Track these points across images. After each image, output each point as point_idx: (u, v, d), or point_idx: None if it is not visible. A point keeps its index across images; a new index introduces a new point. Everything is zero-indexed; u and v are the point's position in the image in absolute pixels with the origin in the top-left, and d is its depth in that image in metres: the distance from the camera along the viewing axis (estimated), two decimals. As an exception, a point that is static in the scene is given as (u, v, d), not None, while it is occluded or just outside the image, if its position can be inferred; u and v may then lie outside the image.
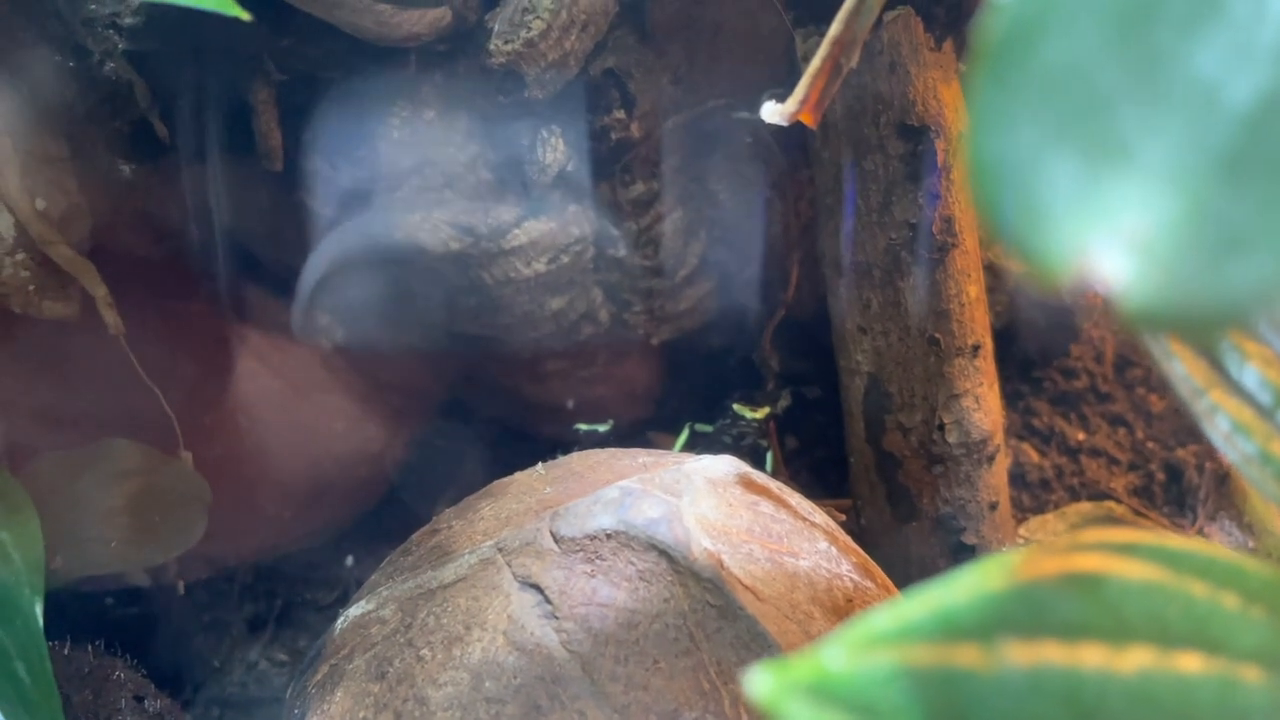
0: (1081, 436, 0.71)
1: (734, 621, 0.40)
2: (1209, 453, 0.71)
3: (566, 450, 0.67)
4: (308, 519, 0.66)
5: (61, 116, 0.52)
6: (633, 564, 0.41)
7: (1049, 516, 0.69)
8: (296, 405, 0.65)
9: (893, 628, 0.21)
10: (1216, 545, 0.25)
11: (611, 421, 0.69)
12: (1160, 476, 0.70)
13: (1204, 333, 0.17)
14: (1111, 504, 0.69)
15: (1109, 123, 0.17)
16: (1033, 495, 0.70)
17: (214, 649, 0.63)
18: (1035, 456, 0.71)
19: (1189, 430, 0.72)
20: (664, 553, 0.41)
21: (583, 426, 0.69)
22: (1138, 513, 0.68)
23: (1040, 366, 0.72)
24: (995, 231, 0.17)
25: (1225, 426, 0.27)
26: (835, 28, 0.36)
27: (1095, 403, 0.72)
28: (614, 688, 0.39)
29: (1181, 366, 0.28)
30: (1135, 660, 0.23)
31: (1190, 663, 0.23)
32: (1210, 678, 0.23)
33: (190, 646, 0.63)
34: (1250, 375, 0.28)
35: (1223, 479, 0.70)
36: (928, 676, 0.20)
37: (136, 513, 0.55)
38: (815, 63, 0.37)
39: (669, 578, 0.41)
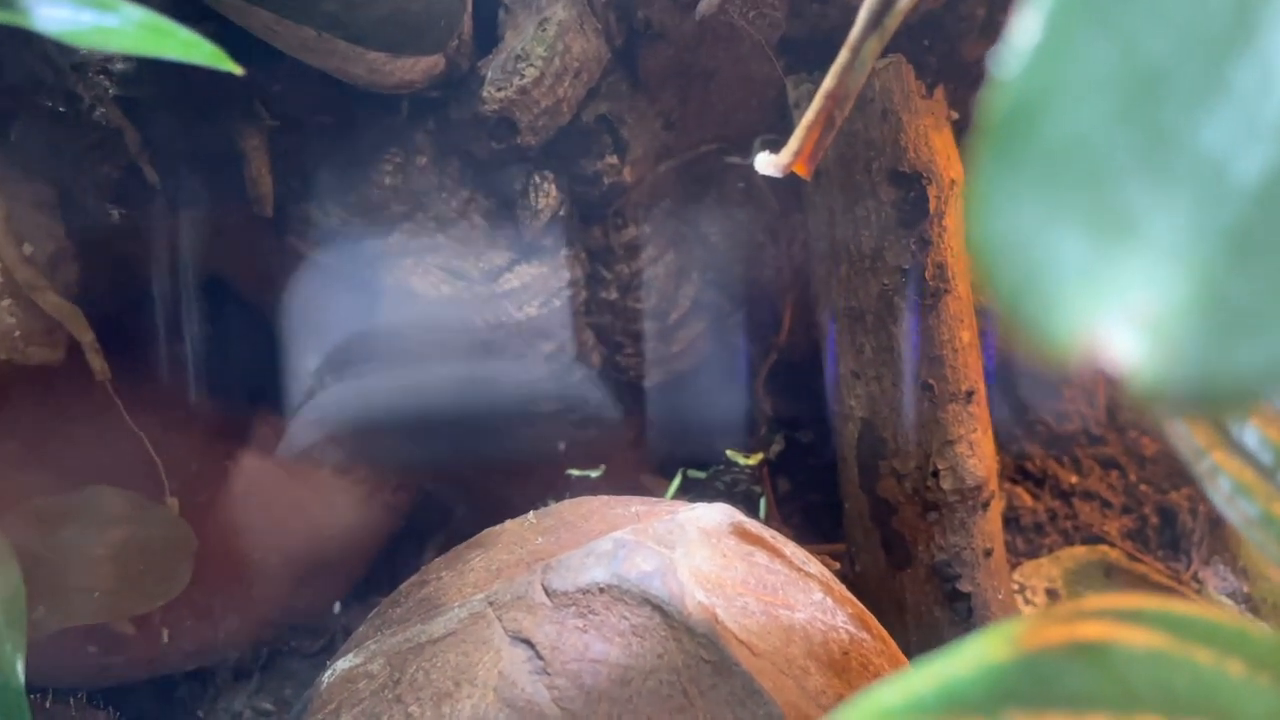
0: (1075, 480, 0.71)
1: (729, 678, 0.40)
2: (1203, 496, 0.71)
3: (559, 497, 0.66)
4: (298, 595, 0.65)
5: (50, 161, 0.52)
6: (626, 618, 0.40)
7: (1043, 560, 0.68)
8: (286, 473, 0.64)
9: (899, 704, 0.20)
10: (1219, 610, 0.25)
11: (604, 467, 0.69)
12: (1154, 520, 0.70)
13: (1214, 412, 0.17)
14: (1105, 548, 0.68)
15: (1115, 199, 0.16)
16: (1026, 539, 0.69)
17: (198, 698, 0.62)
18: (1029, 500, 0.71)
19: (1182, 473, 0.72)
20: (658, 607, 0.40)
21: (574, 472, 0.69)
22: (1132, 557, 0.68)
23: (1033, 410, 0.72)
24: (1002, 309, 0.17)
25: (1227, 488, 0.27)
26: (829, 82, 0.36)
27: (1088, 446, 0.72)
28: (607, 746, 0.38)
29: (1183, 426, 0.27)
30: (1142, 732, 0.22)
31: (1198, 734, 0.23)
32: (1219, 749, 0.23)
33: (174, 695, 0.62)
34: (1251, 434, 0.28)
35: (1216, 522, 0.70)
36: (934, 755, 0.20)
37: (121, 561, 0.54)
38: (809, 115, 0.37)
39: (663, 633, 0.40)
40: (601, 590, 0.41)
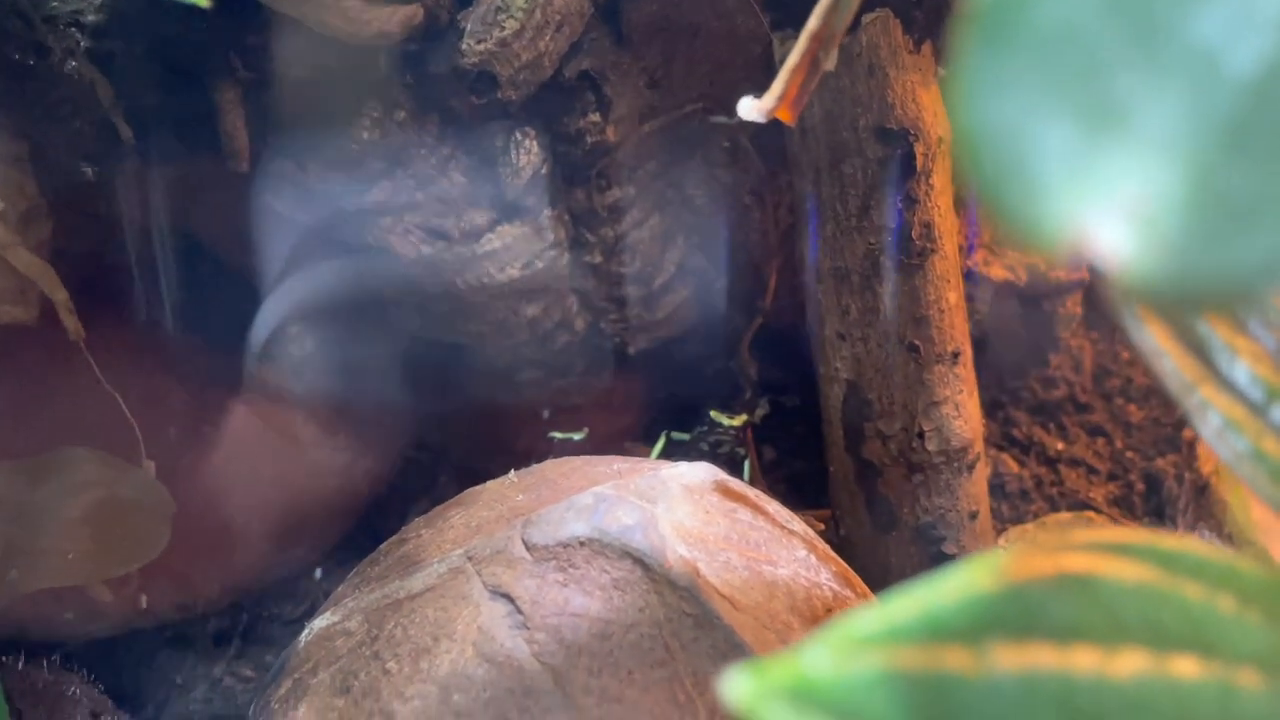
0: (1060, 446, 0.71)
1: (710, 631, 0.39)
2: (1188, 463, 0.71)
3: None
4: (278, 560, 0.64)
5: (21, 116, 0.51)
6: (606, 572, 0.40)
7: (1028, 526, 0.68)
8: (264, 436, 0.63)
9: (878, 629, 0.20)
10: (1209, 545, 0.24)
11: (586, 430, 0.68)
12: (1140, 486, 0.70)
13: (1208, 307, 0.16)
14: (1091, 514, 0.68)
15: (1106, 88, 0.16)
16: (1012, 505, 0.69)
17: (177, 664, 0.61)
18: (1014, 467, 0.70)
19: (1168, 440, 0.71)
20: (639, 560, 0.40)
21: (557, 435, 0.68)
22: (1117, 523, 0.67)
23: (1019, 376, 0.71)
24: (988, 202, 0.16)
25: (1216, 423, 0.26)
26: (813, 23, 0.36)
27: (1074, 413, 0.71)
28: (587, 700, 0.38)
29: (1171, 362, 0.27)
30: (1130, 664, 0.22)
31: (1186, 667, 0.22)
32: (1207, 683, 0.22)
33: (153, 662, 0.61)
34: (1241, 371, 0.27)
35: (1202, 489, 0.70)
36: (915, 681, 0.19)
37: (96, 523, 0.53)
38: (793, 59, 0.37)
39: (644, 586, 0.40)
40: (582, 544, 0.40)
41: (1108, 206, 0.15)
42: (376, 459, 0.70)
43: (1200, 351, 0.27)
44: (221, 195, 0.55)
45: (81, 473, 0.54)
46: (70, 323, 0.53)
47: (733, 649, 0.39)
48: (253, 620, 0.64)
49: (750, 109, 0.37)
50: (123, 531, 0.54)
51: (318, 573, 0.66)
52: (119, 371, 0.56)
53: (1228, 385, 0.27)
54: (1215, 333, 0.27)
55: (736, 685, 0.17)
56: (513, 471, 0.49)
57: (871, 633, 0.19)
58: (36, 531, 0.52)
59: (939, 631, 0.20)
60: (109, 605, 0.59)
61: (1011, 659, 0.21)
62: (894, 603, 0.20)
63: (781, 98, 0.37)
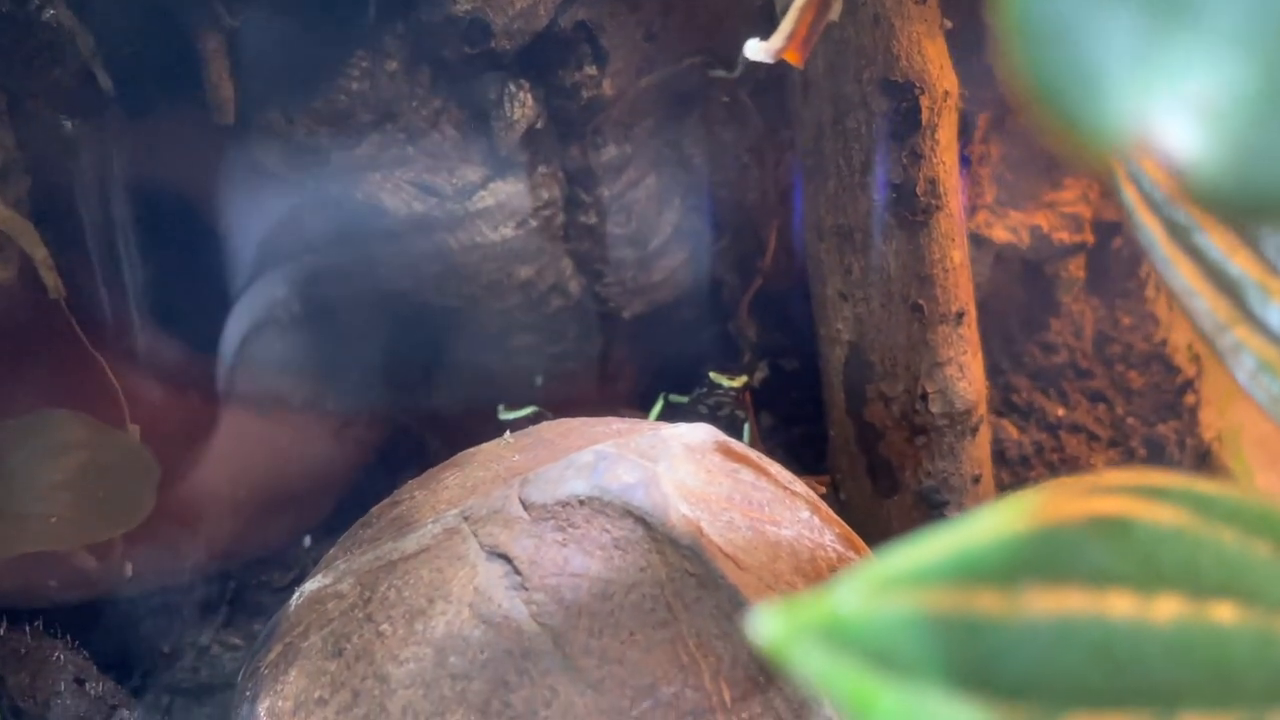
0: (1061, 412, 0.70)
1: (714, 591, 0.38)
2: (1190, 429, 0.70)
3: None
4: (266, 528, 0.63)
5: (-3, 65, 0.49)
6: (607, 531, 0.39)
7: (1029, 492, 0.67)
8: (250, 401, 0.62)
9: (909, 569, 0.19)
10: (1244, 489, 0.23)
11: (535, 408, 0.65)
12: (1141, 453, 0.69)
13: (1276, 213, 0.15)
14: (1092, 481, 0.67)
15: (1172, -26, 0.15)
16: (1012, 472, 0.68)
17: (163, 632, 0.60)
18: (1014, 433, 0.69)
19: (1169, 406, 0.70)
20: (640, 519, 0.39)
21: (507, 414, 0.65)
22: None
23: (1020, 341, 0.70)
24: (1037, 101, 0.15)
25: (1250, 365, 0.25)
26: (825, -43, 0.34)
27: (1075, 379, 0.71)
28: (587, 662, 0.37)
29: (1203, 302, 0.26)
30: (1167, 610, 0.21)
31: (1225, 613, 0.21)
32: (1246, 629, 0.21)
33: (138, 630, 0.60)
34: (1275, 314, 0.26)
35: (1204, 455, 0.69)
36: (947, 622, 0.18)
37: (79, 488, 0.52)
38: (803, -4, 0.35)
39: (645, 545, 0.38)
40: (582, 502, 0.39)
41: (1174, 102, 0.14)
42: (366, 426, 0.69)
43: (1233, 292, 0.26)
44: (206, 150, 0.53)
45: (63, 435, 0.53)
46: (51, 280, 0.51)
47: (737, 609, 0.38)
48: (241, 588, 0.62)
49: (758, 50, 0.36)
50: (106, 496, 0.53)
51: (307, 540, 0.65)
52: (101, 332, 0.54)
53: (1261, 327, 0.26)
54: (1248, 273, 0.26)
55: (766, 624, 0.15)
56: (508, 433, 0.48)
57: (903, 572, 0.18)
58: (17, 495, 0.50)
59: (971, 572, 0.19)
60: (93, 571, 0.58)
61: (1045, 602, 0.20)
62: (925, 543, 0.19)
63: (790, 38, 0.36)
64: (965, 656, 0.18)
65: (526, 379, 0.68)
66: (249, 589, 0.62)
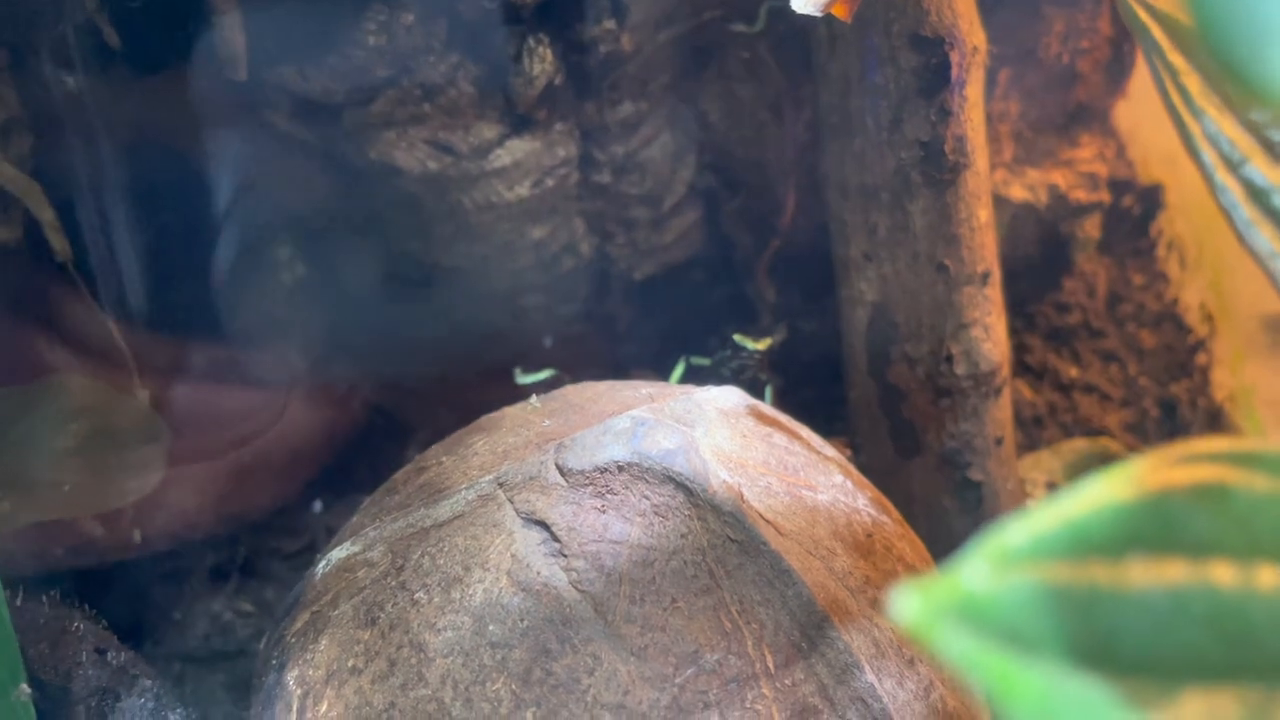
0: (1074, 373, 0.69)
1: (756, 558, 0.37)
2: (1201, 389, 0.70)
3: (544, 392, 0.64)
4: (276, 492, 0.62)
5: (-2, 19, 0.48)
6: (647, 498, 0.38)
7: (1043, 453, 0.67)
8: (258, 363, 0.60)
9: (1026, 543, 0.18)
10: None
11: (553, 371, 0.64)
12: (1154, 413, 0.69)
13: None
14: (1106, 440, 0.67)
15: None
16: (1025, 432, 0.68)
17: (174, 600, 0.59)
18: (1028, 393, 0.69)
19: (1181, 366, 0.70)
20: (681, 485, 0.38)
21: (524, 379, 0.64)
22: (1132, 449, 0.67)
23: (1033, 302, 0.70)
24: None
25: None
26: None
27: (1088, 339, 0.70)
28: (629, 629, 0.36)
29: (1256, 229, 0.25)
30: (1269, 579, 0.20)
31: (1324, 582, 0.21)
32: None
33: (149, 598, 0.59)
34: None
35: (1215, 415, 0.69)
36: (1067, 597, 0.18)
37: (89, 454, 0.51)
38: (853, -54, 0.34)
39: (686, 511, 0.38)
40: (620, 469, 0.38)
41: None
42: (376, 392, 0.68)
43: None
44: (215, 108, 0.52)
45: (72, 401, 0.52)
46: (58, 242, 0.50)
47: (779, 575, 0.37)
48: (250, 555, 0.62)
49: (806, 3, 0.35)
50: (118, 462, 0.52)
51: (317, 506, 0.64)
52: (109, 294, 0.53)
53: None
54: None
55: (906, 605, 0.15)
56: (534, 396, 0.47)
57: (1020, 546, 0.18)
58: (29, 463, 0.49)
59: (1083, 544, 0.19)
60: (100, 538, 0.57)
61: (1153, 574, 0.19)
62: (1037, 514, 0.19)
63: (838, -9, 0.35)
64: (1086, 632, 0.18)
65: (537, 339, 0.68)
66: (259, 556, 0.62)
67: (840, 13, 0.35)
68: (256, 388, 0.61)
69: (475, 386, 0.70)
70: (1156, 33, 0.28)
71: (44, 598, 0.46)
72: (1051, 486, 0.65)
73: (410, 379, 0.68)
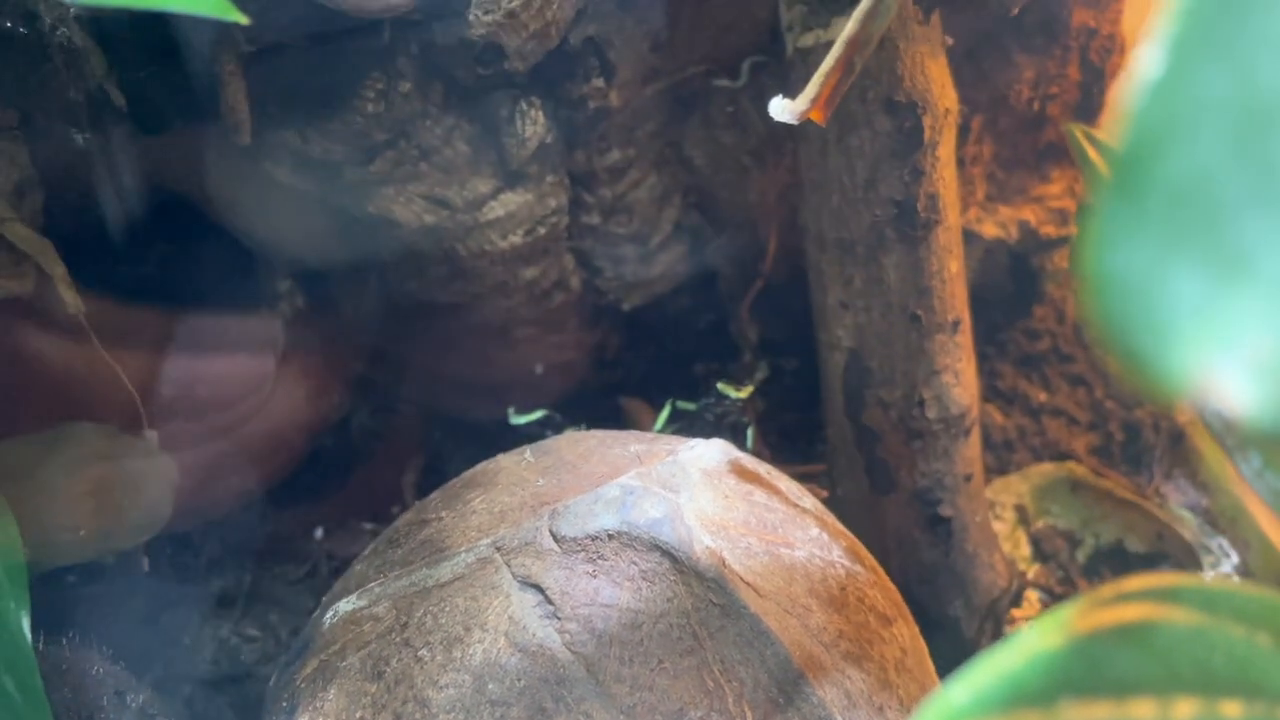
0: (1044, 397, 0.72)
1: (737, 620, 0.40)
2: (1165, 412, 0.73)
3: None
4: (280, 521, 0.65)
5: (11, 85, 0.49)
6: (635, 564, 0.41)
7: (1012, 478, 0.70)
8: (264, 400, 0.63)
9: (968, 702, 0.21)
10: (1251, 585, 0.26)
11: (544, 411, 0.67)
12: (1119, 436, 0.72)
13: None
14: (1072, 464, 0.70)
15: (1231, 235, 0.16)
16: (996, 456, 0.71)
17: (183, 626, 0.62)
18: (999, 418, 0.72)
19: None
20: (667, 553, 0.41)
21: (517, 418, 0.67)
22: (1097, 473, 0.70)
23: (1005, 329, 0.72)
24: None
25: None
26: (850, 28, 0.35)
27: (1057, 363, 0.73)
28: (619, 688, 0.39)
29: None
30: (1186, 712, 0.23)
31: (1233, 710, 0.24)
32: (1252, 723, 0.24)
33: (158, 624, 0.62)
34: None
35: (1178, 438, 0.72)
36: (1001, 749, 0.21)
37: (103, 497, 0.53)
38: (828, 62, 0.36)
39: (672, 577, 0.41)
40: (611, 536, 0.41)
41: (1231, 355, 0.16)
42: (372, 418, 0.70)
43: None
44: (220, 165, 0.54)
45: (85, 447, 0.54)
46: (69, 297, 0.52)
47: (758, 636, 0.40)
48: (255, 581, 0.64)
49: (783, 110, 0.37)
50: (130, 504, 0.54)
51: (318, 532, 0.67)
52: (117, 342, 0.55)
53: None
54: None
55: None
56: (527, 449, 0.50)
57: (963, 706, 0.20)
58: (44, 510, 0.51)
59: (1018, 697, 0.22)
60: (110, 567, 0.59)
61: (1079, 716, 0.22)
62: (977, 670, 0.21)
63: (814, 100, 0.37)
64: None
65: (527, 367, 0.70)
66: (264, 582, 0.64)
67: (818, 118, 0.38)
68: (261, 423, 0.63)
69: (465, 412, 0.73)
70: (1102, 169, 0.30)
71: (64, 640, 0.48)
72: (1020, 510, 0.68)
73: (406, 407, 0.70)
